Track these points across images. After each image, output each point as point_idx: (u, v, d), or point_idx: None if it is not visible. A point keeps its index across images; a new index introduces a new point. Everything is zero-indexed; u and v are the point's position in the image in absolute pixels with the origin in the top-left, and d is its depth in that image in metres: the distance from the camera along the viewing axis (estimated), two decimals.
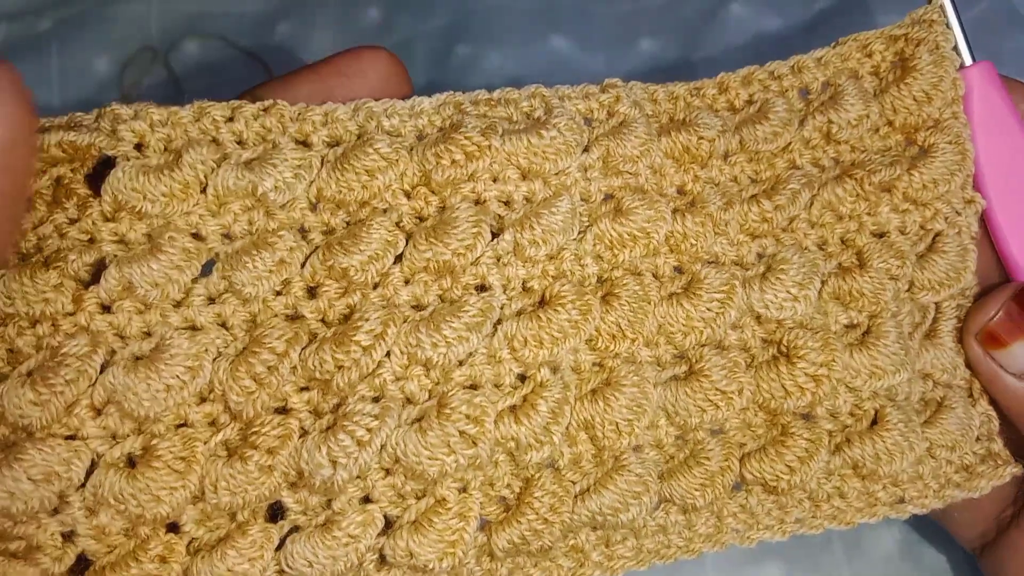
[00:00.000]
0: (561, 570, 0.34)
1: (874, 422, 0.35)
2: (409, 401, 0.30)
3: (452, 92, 0.32)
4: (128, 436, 0.29)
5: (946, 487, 0.37)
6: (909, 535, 0.46)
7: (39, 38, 0.53)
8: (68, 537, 0.29)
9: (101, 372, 0.28)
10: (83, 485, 0.28)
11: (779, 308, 0.33)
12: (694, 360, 0.33)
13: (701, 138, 0.34)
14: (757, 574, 0.45)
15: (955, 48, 0.36)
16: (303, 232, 0.30)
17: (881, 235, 0.36)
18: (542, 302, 0.32)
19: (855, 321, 0.35)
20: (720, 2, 0.55)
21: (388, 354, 0.30)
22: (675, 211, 0.33)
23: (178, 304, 0.29)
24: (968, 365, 0.37)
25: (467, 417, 0.30)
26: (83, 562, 0.29)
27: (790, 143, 0.35)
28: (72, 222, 0.29)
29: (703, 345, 0.33)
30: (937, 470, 0.36)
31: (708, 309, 0.33)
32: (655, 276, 0.33)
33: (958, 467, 0.37)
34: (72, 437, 0.28)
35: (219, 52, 0.53)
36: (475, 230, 0.30)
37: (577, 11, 0.55)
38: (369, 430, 0.29)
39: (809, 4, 0.55)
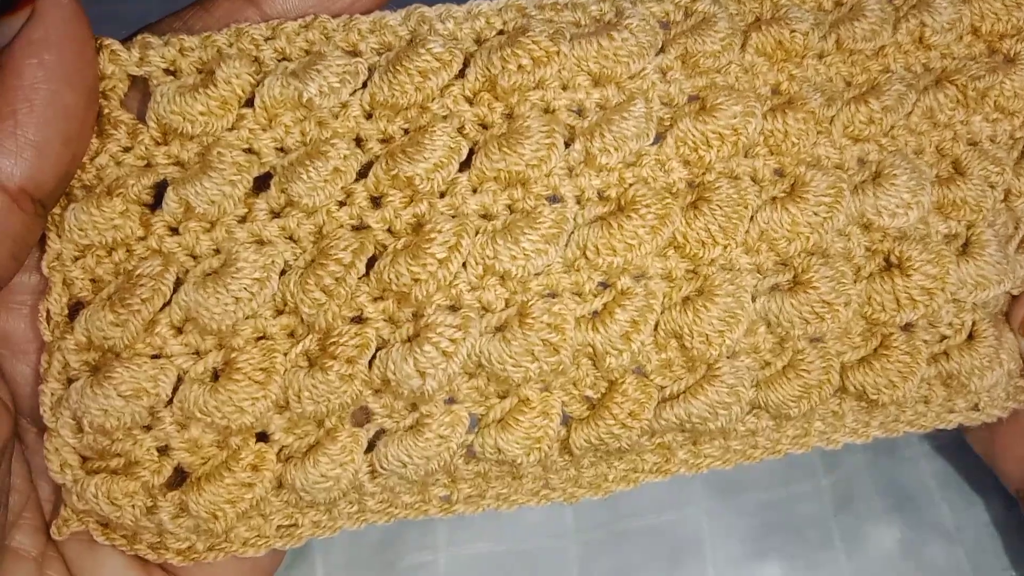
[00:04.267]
0: (646, 464, 0.34)
1: (970, 336, 0.34)
2: (487, 310, 0.30)
3: None
4: (210, 352, 0.29)
5: (1017, 393, 0.37)
6: (909, 534, 0.46)
7: None
8: (163, 451, 0.30)
9: (176, 291, 0.29)
10: (171, 401, 0.29)
11: (892, 215, 0.32)
12: (799, 269, 0.32)
13: (794, 31, 0.32)
14: (757, 572, 0.45)
15: None
16: (360, 142, 0.30)
17: (973, 144, 0.35)
18: (619, 209, 0.31)
19: (954, 231, 0.34)
20: None
21: (463, 265, 0.29)
22: (773, 109, 0.32)
23: (243, 220, 0.29)
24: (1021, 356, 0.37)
25: (549, 325, 0.30)
26: (180, 474, 0.30)
27: (885, 45, 0.33)
28: (126, 150, 0.30)
29: (809, 253, 0.32)
30: (1010, 379, 0.36)
31: (815, 213, 0.31)
32: (753, 179, 0.32)
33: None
34: (157, 356, 0.29)
35: None
36: (548, 141, 0.29)
37: None
38: (453, 341, 0.29)
39: None
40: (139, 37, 0.30)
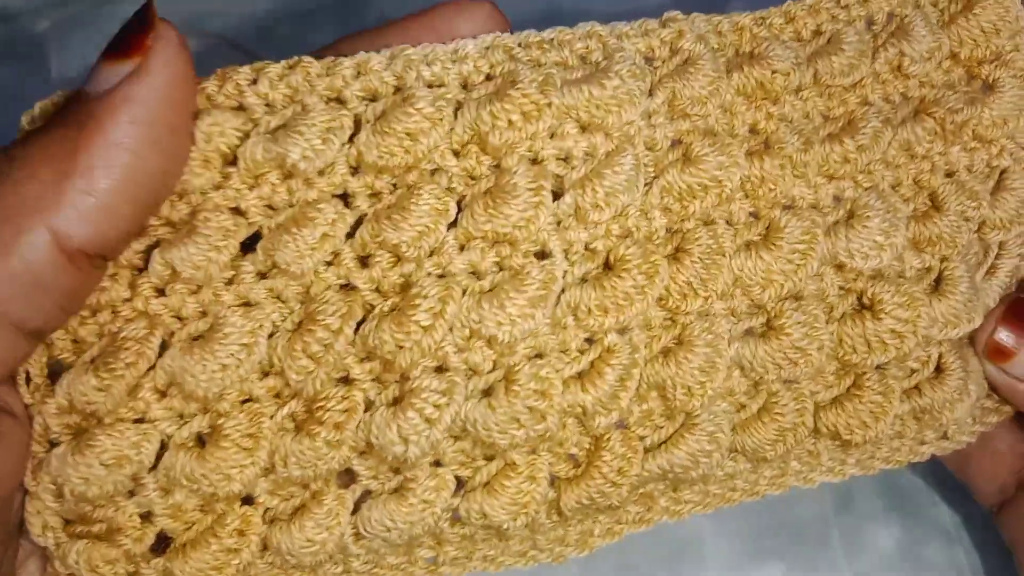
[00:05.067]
0: (629, 515, 0.34)
1: (937, 368, 0.34)
2: (474, 372, 0.29)
3: (498, 33, 0.30)
4: (195, 416, 0.29)
5: (984, 416, 0.37)
6: (909, 535, 0.46)
7: (39, 38, 0.53)
8: (146, 517, 0.29)
9: (161, 354, 0.28)
10: (155, 466, 0.28)
11: (864, 257, 0.32)
12: (772, 314, 0.31)
13: (776, 71, 0.31)
14: (757, 573, 0.45)
15: None
16: (346, 197, 0.29)
17: (950, 175, 0.34)
18: (607, 264, 0.30)
19: (927, 264, 0.33)
20: None
21: (450, 328, 0.29)
22: (749, 153, 0.31)
23: (230, 282, 0.29)
24: (991, 386, 0.37)
25: (535, 392, 0.29)
26: (163, 540, 0.30)
27: (863, 77, 0.33)
28: None
29: (782, 299, 0.31)
30: (976, 404, 0.36)
31: (789, 261, 0.31)
32: (728, 223, 0.31)
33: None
34: (140, 420, 0.28)
35: (219, 52, 0.53)
36: (536, 199, 0.29)
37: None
38: (437, 407, 0.28)
39: None
40: None
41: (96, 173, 0.25)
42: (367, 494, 0.30)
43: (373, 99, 0.29)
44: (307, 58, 0.28)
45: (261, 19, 0.54)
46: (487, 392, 0.29)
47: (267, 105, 0.28)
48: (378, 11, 0.55)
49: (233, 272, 0.28)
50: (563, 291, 0.30)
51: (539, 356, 0.30)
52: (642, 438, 0.32)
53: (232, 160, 0.28)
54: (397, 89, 0.29)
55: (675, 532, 0.45)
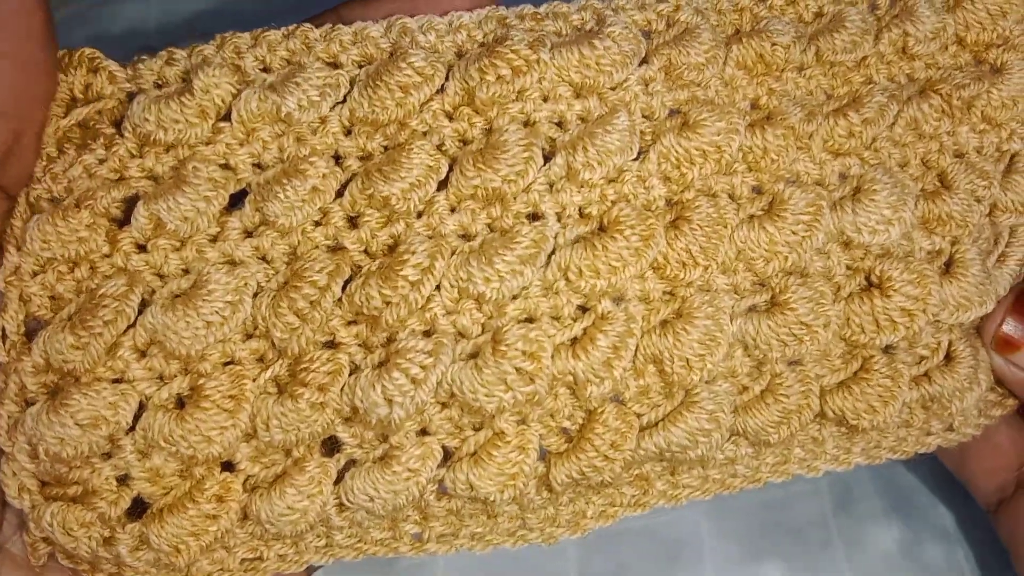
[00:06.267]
0: (624, 497, 0.34)
1: (947, 356, 0.34)
2: (462, 335, 0.29)
3: (495, 7, 0.30)
4: (175, 377, 0.28)
5: (988, 409, 0.36)
6: (909, 534, 0.46)
7: None
8: (123, 480, 0.29)
9: (141, 312, 0.28)
10: (133, 428, 0.28)
11: (872, 232, 0.31)
12: (777, 290, 0.31)
13: (775, 44, 0.31)
14: (756, 573, 0.45)
15: None
16: (339, 159, 0.29)
17: (960, 156, 0.34)
18: (601, 228, 0.30)
19: (938, 247, 0.33)
20: None
21: (438, 288, 0.28)
22: (752, 125, 0.31)
23: (214, 239, 0.28)
24: (996, 378, 0.36)
25: (523, 353, 0.28)
26: (140, 505, 0.29)
27: (866, 56, 0.33)
28: (101, 162, 0.29)
29: (787, 273, 0.31)
30: (984, 396, 0.35)
31: (793, 232, 0.30)
32: (731, 197, 0.31)
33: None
34: (119, 380, 0.28)
35: None
36: (526, 155, 0.28)
37: None
38: (423, 367, 0.28)
39: None
40: (135, 56, 0.29)
41: None
42: (352, 464, 0.30)
43: (368, 64, 0.29)
44: (306, 24, 0.29)
45: (261, 19, 0.54)
46: (474, 356, 0.29)
47: (264, 69, 0.29)
48: None
49: (219, 229, 0.28)
50: (554, 252, 0.29)
51: (530, 320, 0.29)
52: (639, 415, 0.31)
53: (225, 116, 0.28)
54: (392, 55, 0.29)
55: (674, 532, 0.45)
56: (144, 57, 0.29)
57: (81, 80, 0.29)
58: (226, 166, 0.28)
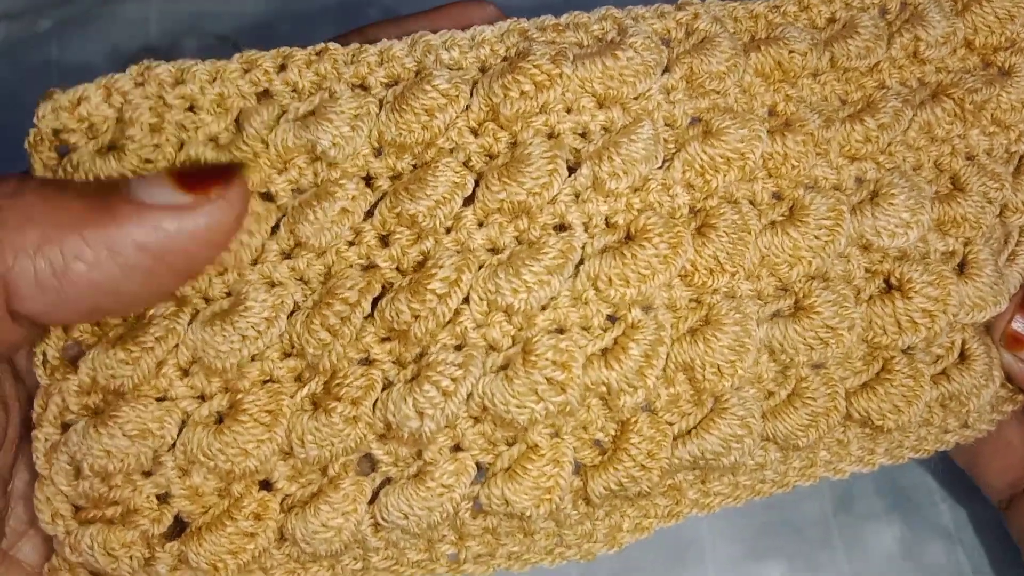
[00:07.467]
0: (658, 509, 0.34)
1: (961, 355, 0.34)
2: (492, 348, 0.29)
3: (516, 19, 0.31)
4: (215, 395, 0.29)
5: (1001, 405, 0.37)
6: (909, 534, 0.46)
7: (39, 38, 0.53)
8: (163, 499, 0.29)
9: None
10: (173, 446, 0.28)
11: (891, 235, 0.31)
12: (801, 294, 0.31)
13: (792, 51, 0.32)
14: (757, 572, 0.45)
15: None
16: (369, 180, 0.29)
17: (971, 158, 0.34)
18: (628, 237, 0.30)
19: (951, 248, 0.33)
20: None
21: (467, 301, 0.28)
22: (771, 131, 0.31)
23: (254, 261, 0.29)
24: (1006, 375, 0.37)
25: (553, 363, 0.28)
26: (179, 524, 0.29)
27: (879, 62, 0.33)
28: None
29: (810, 278, 0.31)
30: (997, 392, 0.36)
31: (816, 237, 0.31)
32: (752, 203, 0.31)
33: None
34: (162, 399, 0.28)
35: (219, 52, 0.53)
36: (550, 167, 0.29)
37: None
38: (454, 380, 0.28)
39: None
40: (153, 71, 0.28)
41: (77, 260, 0.24)
42: (387, 483, 0.30)
43: (395, 84, 0.29)
44: (333, 44, 0.29)
45: (261, 19, 0.55)
46: (506, 367, 0.29)
47: (294, 91, 0.29)
48: (378, 11, 0.55)
49: (258, 252, 0.29)
50: (582, 262, 0.29)
51: (560, 331, 0.29)
52: (670, 424, 0.31)
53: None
54: (417, 74, 0.29)
55: (676, 532, 0.45)
56: (156, 70, 0.28)
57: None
58: (267, 195, 0.29)
